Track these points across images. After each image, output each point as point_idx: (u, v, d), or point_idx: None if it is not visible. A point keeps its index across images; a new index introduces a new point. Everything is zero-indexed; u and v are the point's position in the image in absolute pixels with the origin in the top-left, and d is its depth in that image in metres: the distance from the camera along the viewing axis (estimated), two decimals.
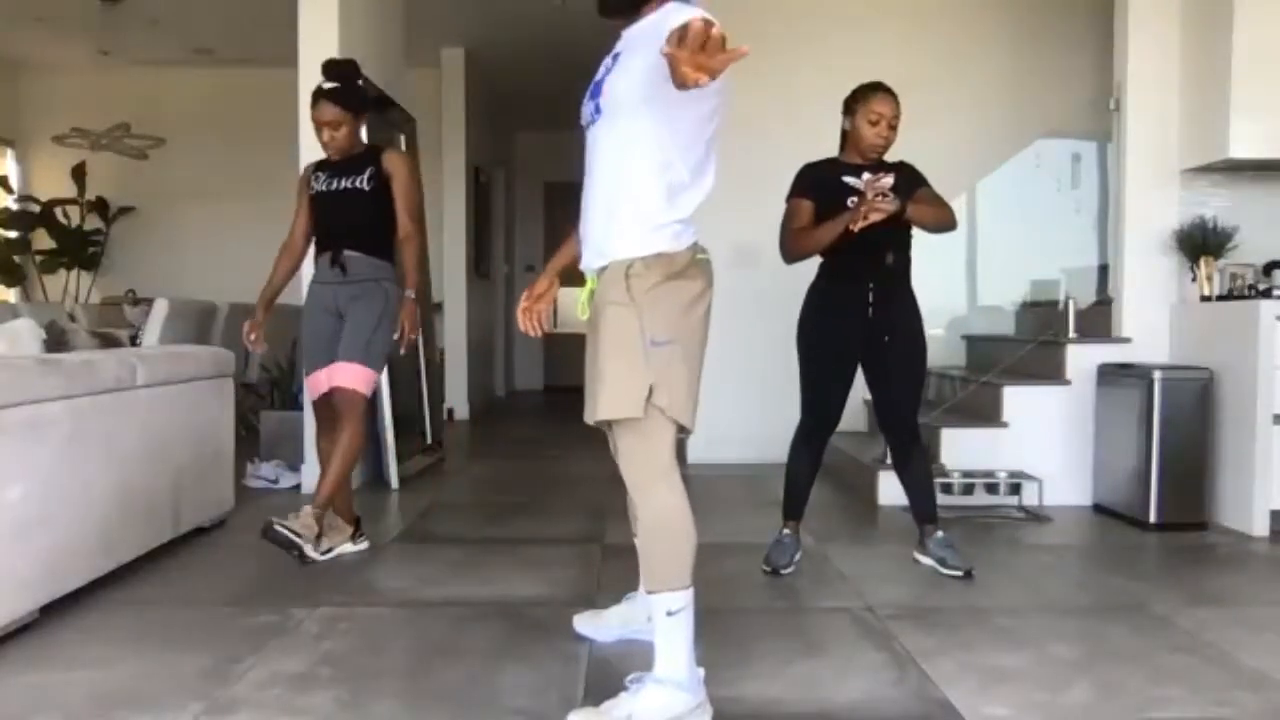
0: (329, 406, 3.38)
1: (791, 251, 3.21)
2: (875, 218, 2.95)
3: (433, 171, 6.88)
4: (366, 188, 3.40)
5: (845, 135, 3.23)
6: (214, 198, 8.55)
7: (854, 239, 3.06)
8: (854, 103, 3.19)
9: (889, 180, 3.14)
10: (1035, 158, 5.67)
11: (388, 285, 3.44)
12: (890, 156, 3.23)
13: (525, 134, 10.44)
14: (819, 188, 3.19)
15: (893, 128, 3.14)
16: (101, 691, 2.24)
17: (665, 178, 2.08)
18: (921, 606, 2.92)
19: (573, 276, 2.38)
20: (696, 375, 2.12)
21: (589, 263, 2.20)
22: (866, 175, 3.16)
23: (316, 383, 3.42)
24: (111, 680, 2.31)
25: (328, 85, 3.40)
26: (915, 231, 3.23)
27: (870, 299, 3.20)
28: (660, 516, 2.07)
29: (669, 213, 2.09)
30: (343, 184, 3.41)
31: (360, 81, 3.53)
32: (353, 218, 3.41)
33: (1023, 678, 2.34)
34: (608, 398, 2.07)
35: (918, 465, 3.34)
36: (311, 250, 3.56)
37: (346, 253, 3.40)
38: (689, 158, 2.09)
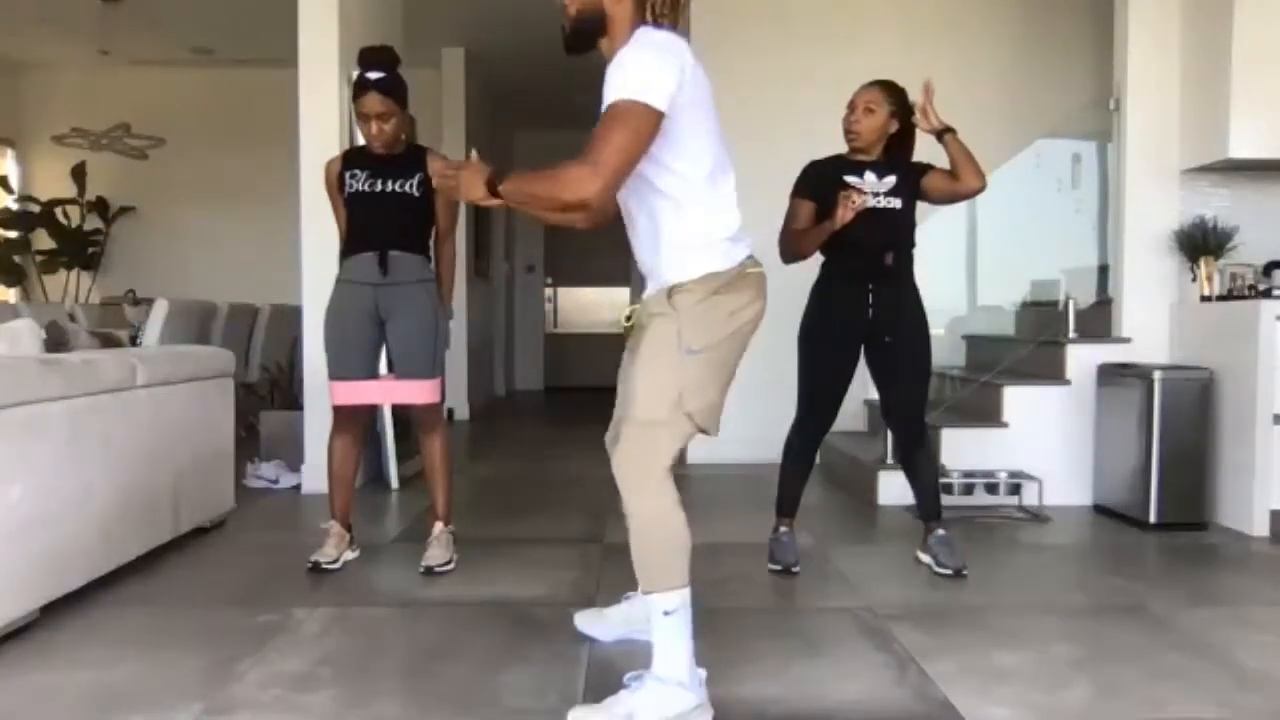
0: (356, 416, 3.34)
1: (785, 252, 3.22)
2: (848, 216, 3.01)
3: None
4: (416, 194, 3.26)
5: None
6: (214, 198, 8.55)
7: (852, 240, 3.08)
8: None
9: (889, 180, 3.15)
10: (1035, 158, 5.66)
11: (430, 285, 3.37)
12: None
13: (525, 134, 10.43)
14: (821, 187, 3.19)
15: (868, 111, 3.15)
16: (101, 691, 2.24)
17: (690, 199, 2.08)
18: (921, 606, 2.92)
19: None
20: (726, 383, 2.12)
21: (649, 293, 2.20)
22: (870, 175, 3.16)
23: (348, 391, 3.29)
24: (111, 680, 2.31)
25: (373, 75, 3.20)
26: (917, 232, 3.25)
27: (870, 300, 3.20)
28: (653, 518, 2.06)
29: (713, 230, 2.10)
30: (389, 186, 3.25)
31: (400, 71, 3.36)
32: (400, 220, 3.28)
33: (1022, 678, 2.34)
34: (642, 400, 2.08)
35: (921, 464, 3.34)
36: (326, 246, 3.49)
37: (392, 253, 3.26)
38: (702, 165, 2.08)
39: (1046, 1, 5.60)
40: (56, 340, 3.83)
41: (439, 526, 3.34)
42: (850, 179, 3.15)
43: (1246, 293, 4.10)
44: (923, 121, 3.15)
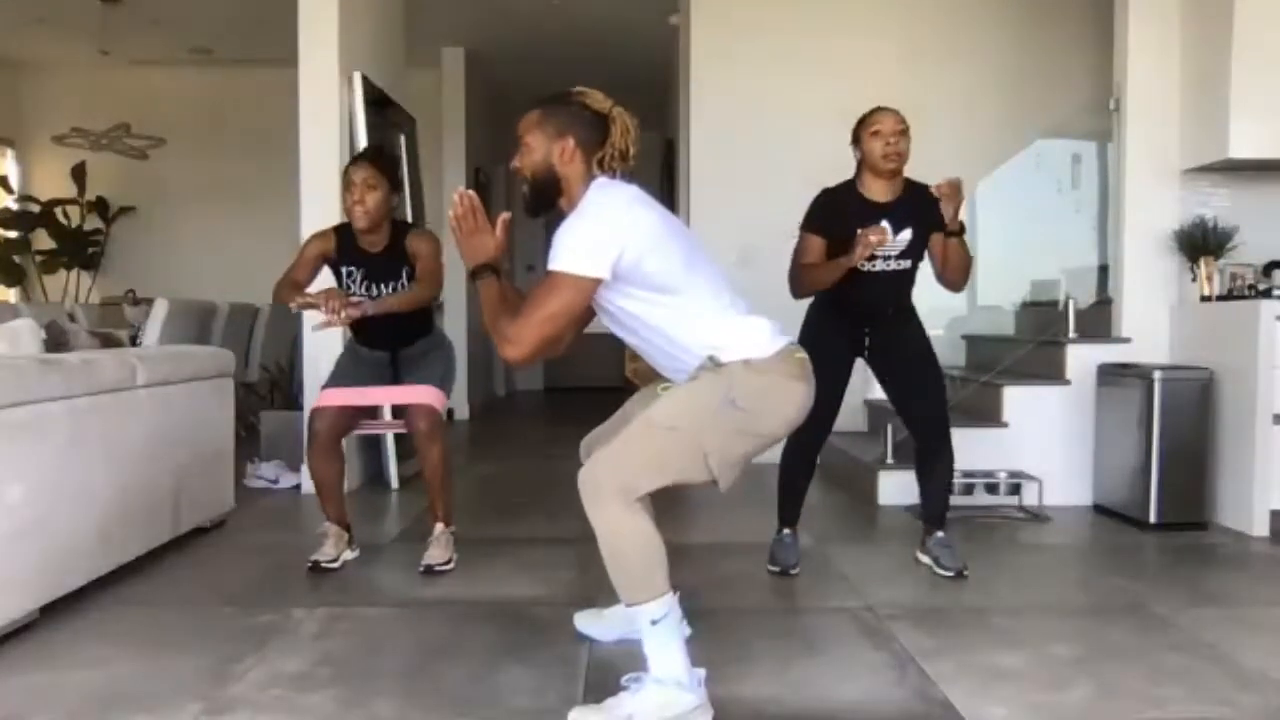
0: (333, 432, 3.27)
1: (798, 287, 3.15)
2: (866, 254, 2.97)
3: (433, 171, 6.89)
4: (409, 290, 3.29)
5: (859, 165, 3.17)
6: (214, 198, 8.55)
7: (855, 299, 3.12)
8: (858, 129, 3.15)
9: (904, 237, 3.11)
10: (1035, 158, 5.67)
11: (443, 342, 3.49)
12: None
13: None
14: (833, 223, 3.12)
15: (901, 133, 3.07)
16: (101, 691, 2.24)
17: (690, 316, 2.12)
18: (921, 606, 2.92)
19: None
20: (754, 451, 2.15)
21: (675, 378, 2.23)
22: (885, 226, 3.05)
23: (334, 395, 3.30)
24: (111, 680, 2.31)
25: (366, 153, 3.36)
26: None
27: (866, 342, 3.26)
28: (622, 532, 2.02)
29: (729, 329, 2.13)
30: (384, 291, 3.28)
31: (398, 171, 3.42)
32: (400, 321, 3.29)
33: (1022, 678, 2.34)
34: (666, 410, 2.10)
35: (937, 473, 3.29)
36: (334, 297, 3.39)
37: (402, 351, 3.41)
38: (687, 293, 2.11)
39: (1047, 2, 5.60)
40: (56, 340, 3.83)
41: (439, 527, 3.34)
42: (861, 231, 3.03)
43: (1246, 293, 4.10)
44: (946, 207, 3.08)
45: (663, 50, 7.04)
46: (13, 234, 8.42)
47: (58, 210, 8.38)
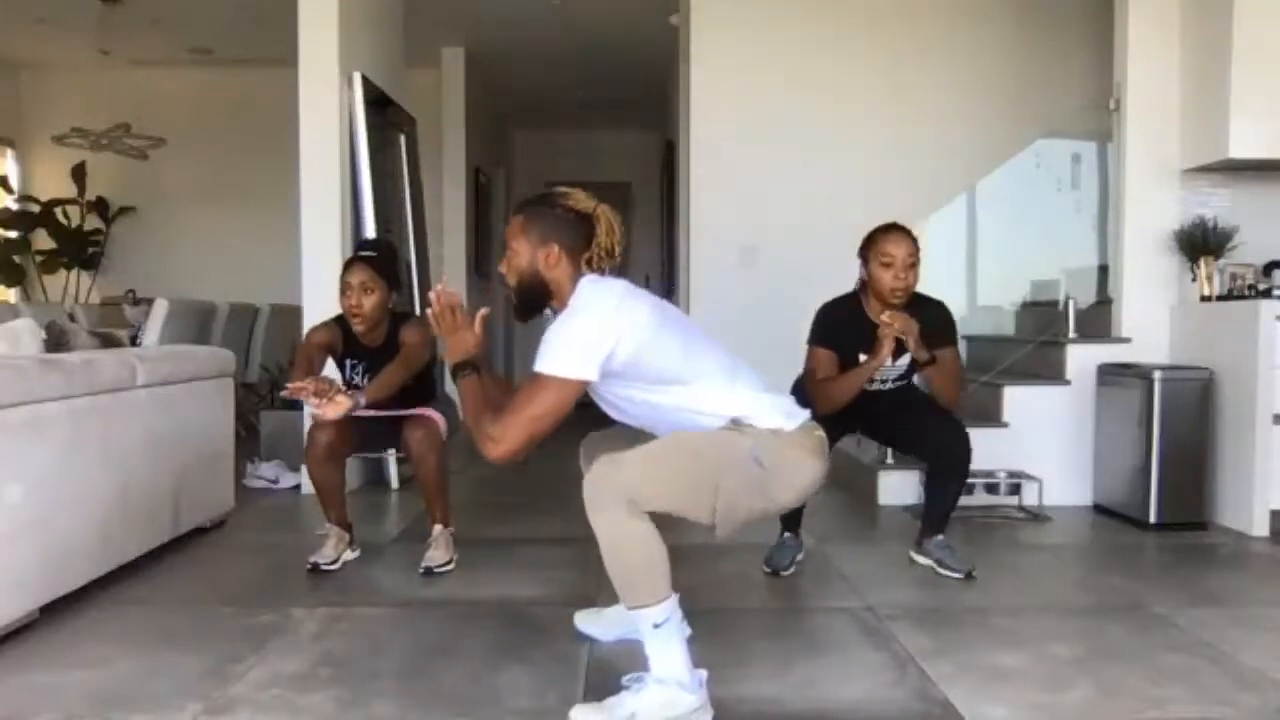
0: (336, 442, 3.23)
1: (820, 404, 2.94)
2: (891, 347, 2.96)
3: (433, 171, 6.89)
4: (410, 381, 3.27)
5: (864, 284, 3.14)
6: (214, 198, 8.55)
7: (852, 415, 3.12)
8: (866, 249, 3.10)
9: (903, 362, 3.11)
10: (1035, 158, 5.66)
11: (444, 404, 3.49)
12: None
13: (525, 134, 10.43)
14: (839, 338, 3.11)
15: (911, 266, 3.02)
16: (101, 691, 2.24)
17: (703, 393, 2.13)
18: (921, 606, 2.92)
19: None
20: (762, 511, 2.17)
21: None
22: (885, 316, 3.05)
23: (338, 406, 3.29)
24: (111, 680, 2.31)
25: (363, 252, 3.36)
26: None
27: (861, 425, 3.34)
28: (621, 538, 2.02)
29: (752, 403, 2.14)
30: None
31: (397, 264, 3.39)
32: (402, 397, 3.28)
33: (1022, 678, 2.34)
34: (704, 433, 2.11)
35: (957, 480, 3.23)
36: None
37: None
38: (692, 376, 2.12)
39: (1047, 2, 5.60)
40: (56, 340, 3.83)
41: (438, 528, 3.34)
42: (864, 356, 3.05)
43: (1246, 293, 4.10)
44: (905, 340, 3.01)
45: (663, 50, 7.04)
46: (13, 234, 8.42)
47: (58, 210, 8.38)
